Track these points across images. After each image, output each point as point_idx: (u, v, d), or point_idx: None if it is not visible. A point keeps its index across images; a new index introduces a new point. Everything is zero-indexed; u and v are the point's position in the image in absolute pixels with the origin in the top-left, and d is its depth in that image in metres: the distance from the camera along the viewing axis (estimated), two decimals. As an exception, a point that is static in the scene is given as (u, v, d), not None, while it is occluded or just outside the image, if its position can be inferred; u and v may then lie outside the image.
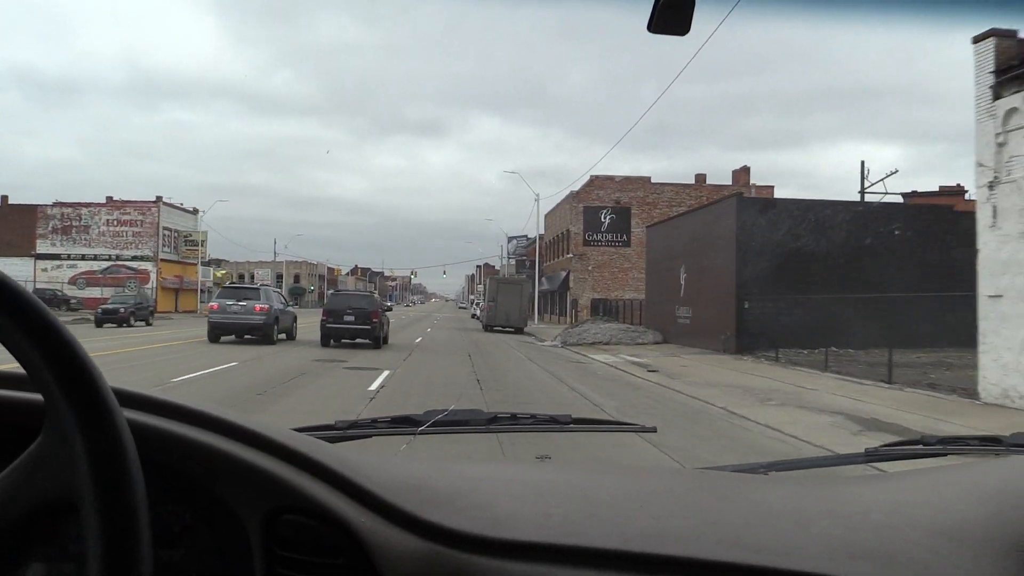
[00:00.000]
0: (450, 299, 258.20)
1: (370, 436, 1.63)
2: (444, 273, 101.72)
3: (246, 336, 22.74)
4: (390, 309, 28.17)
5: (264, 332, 22.58)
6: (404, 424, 1.62)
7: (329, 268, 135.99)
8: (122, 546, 0.67)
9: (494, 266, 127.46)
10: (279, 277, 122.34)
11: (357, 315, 22.24)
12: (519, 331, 40.14)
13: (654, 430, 1.87)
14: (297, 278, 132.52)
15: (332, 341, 22.63)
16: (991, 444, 1.55)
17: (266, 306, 22.79)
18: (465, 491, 1.00)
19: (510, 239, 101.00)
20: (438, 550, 0.86)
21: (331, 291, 31.34)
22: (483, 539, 0.86)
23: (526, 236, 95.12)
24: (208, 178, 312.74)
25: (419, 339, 29.49)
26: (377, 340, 22.50)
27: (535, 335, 36.81)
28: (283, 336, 24.37)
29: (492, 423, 1.67)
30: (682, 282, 28.70)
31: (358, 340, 22.45)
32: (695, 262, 27.53)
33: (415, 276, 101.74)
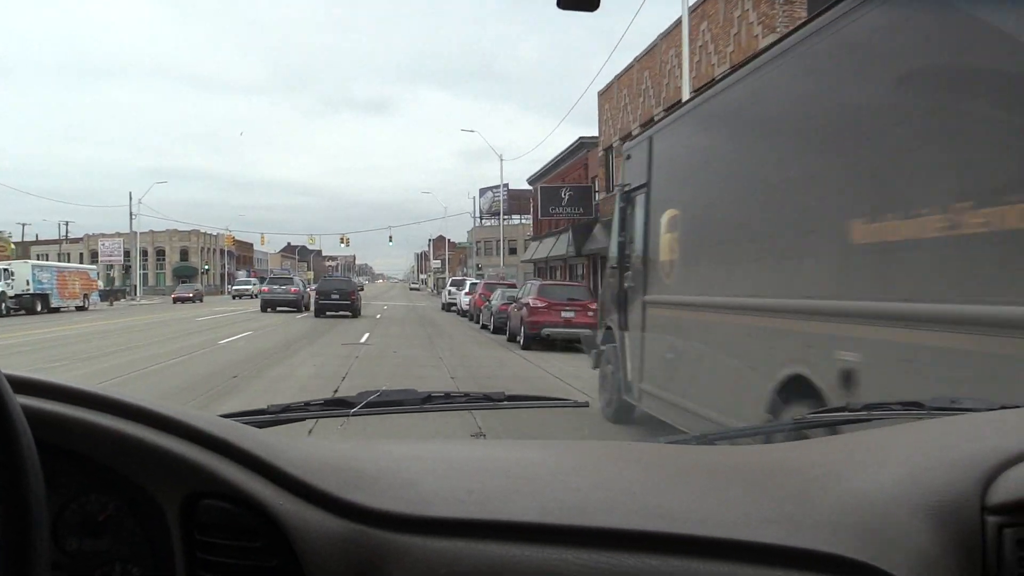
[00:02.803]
0: (399, 280, 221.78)
1: (303, 420, 1.58)
2: (390, 240, 76.12)
3: (279, 308, 35.50)
4: (362, 289, 40.47)
5: (296, 305, 35.62)
6: (337, 406, 1.58)
7: (241, 242, 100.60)
8: (16, 536, 0.65)
9: (449, 239, 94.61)
10: (148, 254, 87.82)
11: (341, 294, 31.75)
12: None
13: (586, 405, 1.86)
14: (185, 254, 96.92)
15: (322, 314, 31.43)
16: (913, 408, 1.54)
17: (297, 288, 36.57)
18: (390, 470, 0.98)
19: (483, 191, 75.05)
20: (358, 529, 0.86)
21: (322, 277, 43.08)
22: (403, 517, 0.86)
23: (507, 185, 63.03)
24: (148, 162, 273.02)
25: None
26: (356, 312, 31.79)
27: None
28: (304, 309, 36.43)
29: (426, 402, 1.61)
30: None
31: (341, 312, 31.37)
32: None
33: (347, 244, 73.19)
